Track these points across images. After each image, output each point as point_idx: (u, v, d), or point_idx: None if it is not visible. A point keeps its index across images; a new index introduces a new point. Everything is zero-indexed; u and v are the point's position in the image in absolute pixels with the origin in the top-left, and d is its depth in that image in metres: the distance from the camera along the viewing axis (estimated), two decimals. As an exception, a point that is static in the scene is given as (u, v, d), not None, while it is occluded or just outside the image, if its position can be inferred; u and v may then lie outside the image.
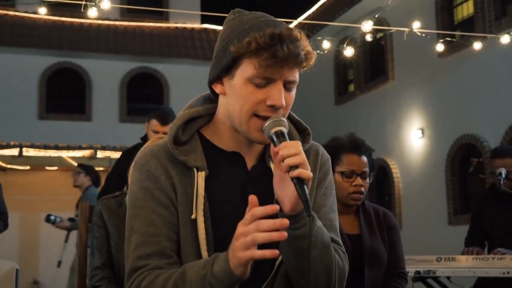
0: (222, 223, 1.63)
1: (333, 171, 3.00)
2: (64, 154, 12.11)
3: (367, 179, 3.05)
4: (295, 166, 1.48)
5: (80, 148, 12.30)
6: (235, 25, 1.64)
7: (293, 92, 1.64)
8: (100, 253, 2.84)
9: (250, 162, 1.72)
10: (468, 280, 4.66)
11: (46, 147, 12.18)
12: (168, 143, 1.68)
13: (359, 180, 2.99)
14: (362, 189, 3.01)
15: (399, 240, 3.13)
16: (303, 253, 1.56)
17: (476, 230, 4.85)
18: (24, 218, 12.74)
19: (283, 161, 1.50)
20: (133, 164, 1.76)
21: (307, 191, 1.48)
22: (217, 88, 1.68)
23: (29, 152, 11.92)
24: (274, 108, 1.58)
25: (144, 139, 4.96)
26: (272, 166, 1.67)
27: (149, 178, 1.66)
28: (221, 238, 1.62)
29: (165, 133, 4.74)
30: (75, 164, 11.89)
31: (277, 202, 1.59)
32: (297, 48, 1.56)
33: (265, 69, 1.55)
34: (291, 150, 1.49)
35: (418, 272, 4.06)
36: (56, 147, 12.27)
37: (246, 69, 1.58)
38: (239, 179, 1.69)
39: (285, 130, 1.57)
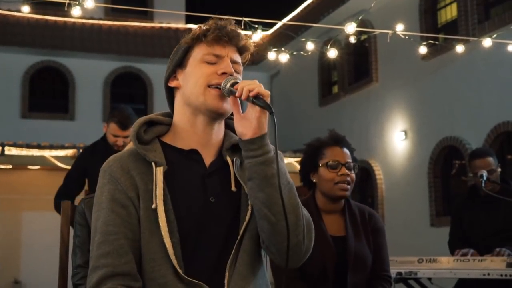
0: (184, 213, 1.75)
1: (318, 165, 3.02)
2: (47, 153, 12.02)
3: (352, 171, 3.03)
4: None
5: (63, 147, 12.22)
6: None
7: (240, 76, 1.85)
8: (82, 252, 2.85)
9: (208, 159, 1.85)
10: (449, 281, 4.69)
11: (28, 146, 12.08)
12: (132, 144, 1.85)
13: (344, 170, 2.98)
14: (348, 179, 2.99)
15: (385, 243, 3.10)
16: (270, 180, 1.71)
17: (459, 232, 4.85)
18: (5, 217, 12.65)
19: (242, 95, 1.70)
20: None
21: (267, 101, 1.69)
22: (173, 83, 1.89)
23: (11, 151, 11.82)
24: (225, 75, 1.80)
25: (104, 138, 4.92)
26: (229, 160, 1.85)
27: (110, 181, 1.78)
28: (184, 227, 1.74)
29: (125, 137, 4.71)
30: (58, 163, 11.84)
31: (237, 184, 1.81)
32: (238, 30, 1.85)
33: (213, 46, 1.81)
34: (249, 81, 1.72)
35: (399, 273, 4.08)
36: (39, 146, 12.17)
37: (197, 53, 1.83)
38: (198, 173, 1.82)
39: (240, 81, 1.76)
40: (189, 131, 1.85)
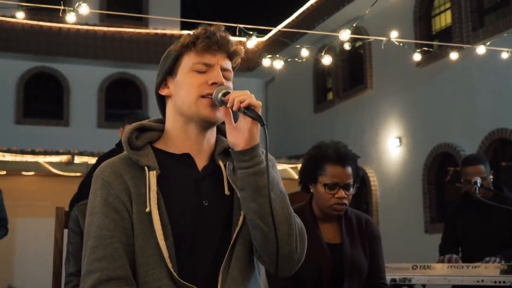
0: (178, 217, 1.76)
1: (317, 181, 2.98)
2: (41, 159, 11.99)
3: (351, 190, 2.98)
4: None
5: (57, 153, 12.19)
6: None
7: (230, 83, 1.87)
8: (75, 259, 2.82)
9: (201, 163, 1.86)
10: (443, 288, 4.69)
11: (22, 152, 12.05)
12: (124, 151, 1.84)
13: (341, 193, 2.93)
14: (345, 200, 2.95)
15: (381, 250, 3.08)
16: (262, 191, 1.72)
17: (451, 237, 4.88)
18: (-1, 223, 12.59)
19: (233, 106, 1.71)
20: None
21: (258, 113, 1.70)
22: (164, 91, 1.89)
23: (5, 157, 11.78)
24: (215, 85, 1.80)
25: (119, 145, 4.90)
26: (221, 164, 1.86)
27: (103, 186, 1.79)
28: (178, 230, 1.75)
29: None
30: (52, 169, 11.81)
31: (230, 188, 1.82)
32: (228, 36, 1.85)
33: (202, 54, 1.81)
34: (240, 92, 1.73)
35: (393, 280, 4.08)
36: (33, 152, 12.14)
37: (187, 62, 1.83)
38: (191, 177, 1.82)
39: (231, 91, 1.77)
40: (181, 137, 1.85)
